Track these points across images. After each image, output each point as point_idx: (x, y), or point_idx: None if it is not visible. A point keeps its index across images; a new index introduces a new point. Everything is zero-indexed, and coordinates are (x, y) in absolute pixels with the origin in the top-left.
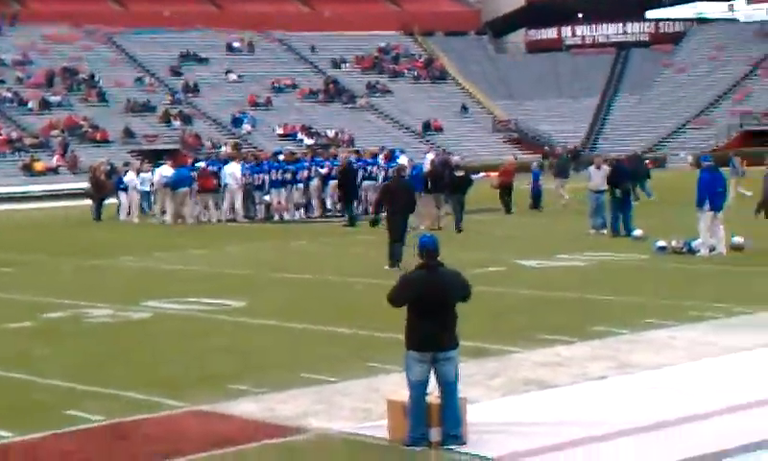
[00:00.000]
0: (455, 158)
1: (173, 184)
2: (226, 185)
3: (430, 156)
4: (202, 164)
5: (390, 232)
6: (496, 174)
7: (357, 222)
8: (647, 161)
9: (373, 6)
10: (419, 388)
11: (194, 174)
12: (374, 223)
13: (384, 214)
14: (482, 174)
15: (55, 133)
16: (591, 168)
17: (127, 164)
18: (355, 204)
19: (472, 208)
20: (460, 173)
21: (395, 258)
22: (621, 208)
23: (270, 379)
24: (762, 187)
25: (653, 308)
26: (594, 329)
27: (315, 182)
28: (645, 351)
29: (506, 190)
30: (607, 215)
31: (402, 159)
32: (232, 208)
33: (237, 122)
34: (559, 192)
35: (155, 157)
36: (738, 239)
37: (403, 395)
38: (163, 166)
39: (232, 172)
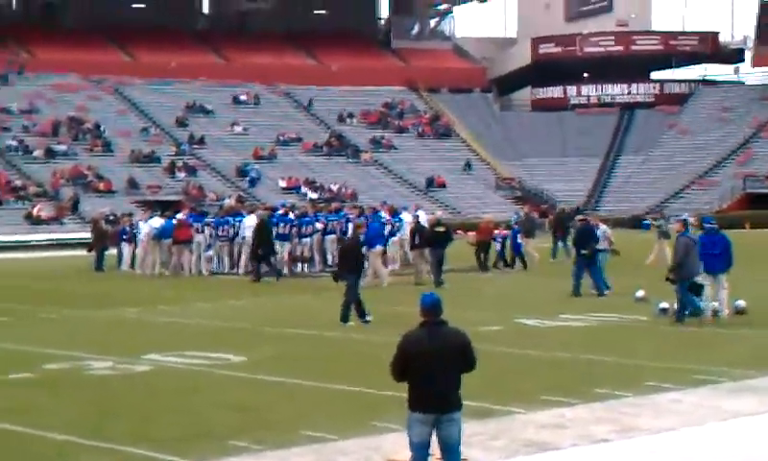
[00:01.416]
0: (437, 213)
1: (160, 235)
2: (243, 238)
3: (422, 213)
4: (181, 216)
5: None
6: (473, 233)
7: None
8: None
9: (380, 61)
10: (420, 450)
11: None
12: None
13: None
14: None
15: (63, 182)
16: None
17: (130, 215)
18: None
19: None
20: (441, 228)
21: (359, 314)
22: (590, 268)
23: (270, 436)
24: (675, 249)
25: (656, 371)
26: (597, 391)
27: (316, 237)
28: (648, 415)
29: (483, 249)
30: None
31: (405, 215)
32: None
33: (252, 181)
34: (527, 250)
35: (160, 208)
36: (741, 302)
37: (405, 455)
38: (154, 218)
39: (252, 225)
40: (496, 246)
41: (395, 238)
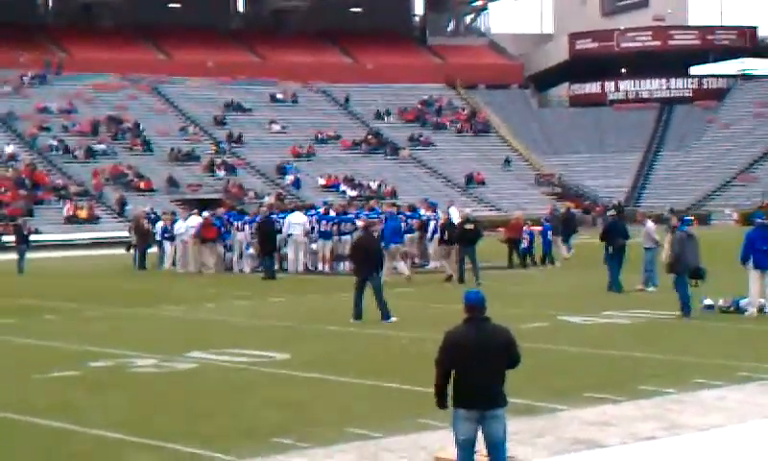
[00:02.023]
0: (466, 211)
1: (198, 234)
2: (290, 235)
3: (453, 209)
4: (206, 214)
5: (356, 286)
6: (503, 229)
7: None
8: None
9: (417, 58)
10: (466, 447)
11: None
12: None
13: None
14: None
15: (104, 181)
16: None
17: (173, 213)
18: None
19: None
20: (470, 226)
21: (357, 311)
22: (618, 264)
23: (315, 434)
24: (671, 244)
25: (701, 368)
26: (642, 388)
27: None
28: (694, 412)
29: (514, 245)
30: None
31: (454, 211)
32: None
33: (297, 182)
34: (556, 249)
35: (199, 207)
36: None
37: (451, 452)
38: (191, 217)
39: (301, 221)
40: (523, 243)
41: (438, 235)
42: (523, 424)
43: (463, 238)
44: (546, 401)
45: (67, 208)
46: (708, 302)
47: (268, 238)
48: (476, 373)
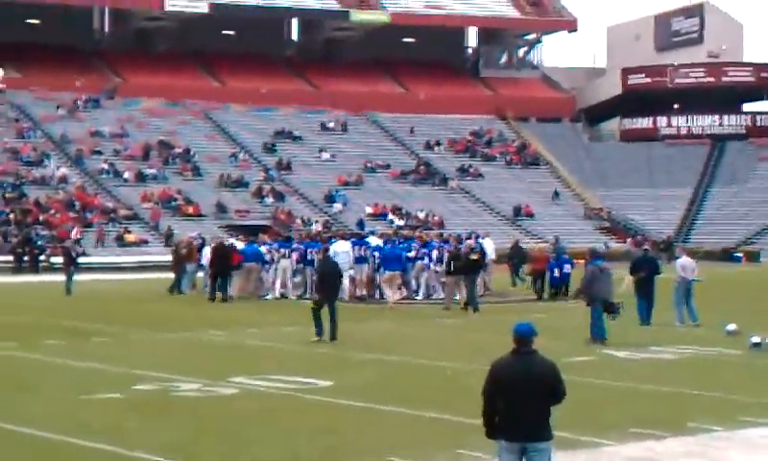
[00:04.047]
0: (469, 242)
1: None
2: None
3: (489, 240)
4: (239, 244)
5: (315, 306)
6: (528, 264)
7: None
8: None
9: (468, 89)
10: None
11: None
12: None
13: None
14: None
15: (152, 205)
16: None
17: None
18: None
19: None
20: (474, 256)
21: (319, 329)
22: (643, 297)
23: None
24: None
25: (748, 406)
26: (687, 425)
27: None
28: (740, 450)
29: (538, 277)
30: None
31: (488, 243)
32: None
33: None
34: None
35: (247, 233)
36: None
37: None
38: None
39: (346, 249)
40: (554, 273)
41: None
42: (566, 458)
43: (467, 268)
44: (590, 436)
45: (75, 231)
46: (755, 339)
47: (221, 263)
48: (520, 405)
